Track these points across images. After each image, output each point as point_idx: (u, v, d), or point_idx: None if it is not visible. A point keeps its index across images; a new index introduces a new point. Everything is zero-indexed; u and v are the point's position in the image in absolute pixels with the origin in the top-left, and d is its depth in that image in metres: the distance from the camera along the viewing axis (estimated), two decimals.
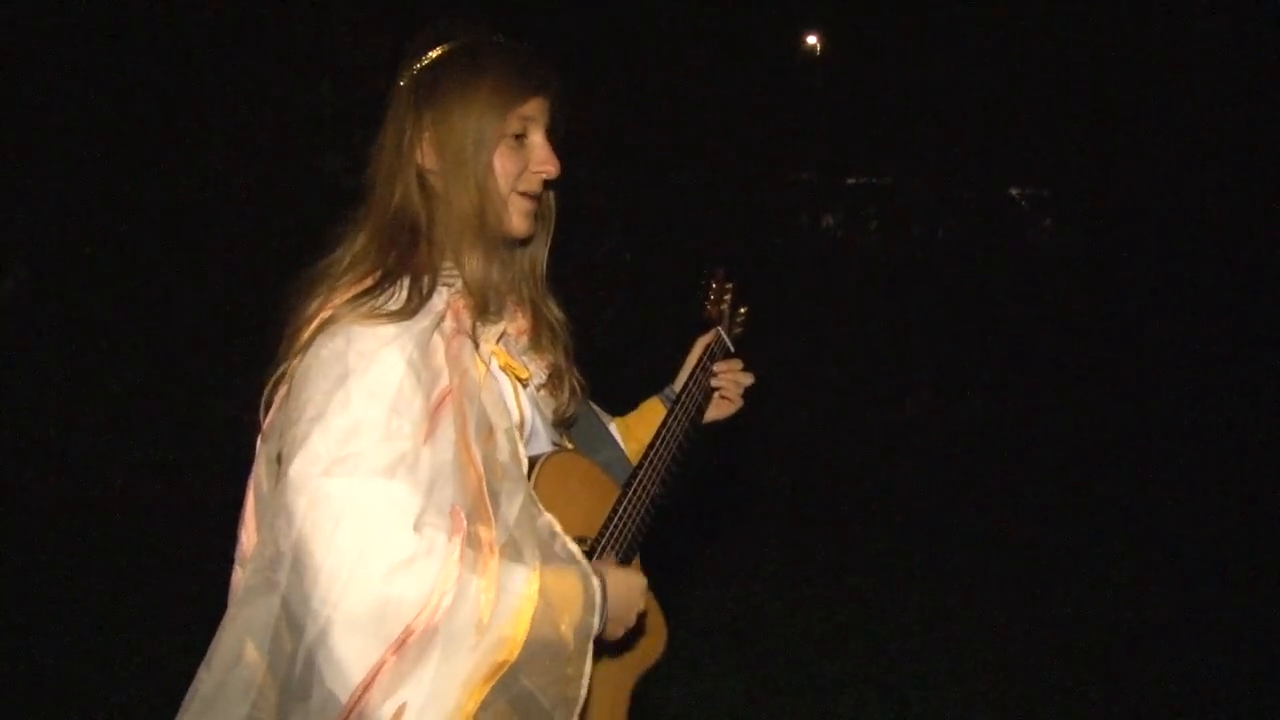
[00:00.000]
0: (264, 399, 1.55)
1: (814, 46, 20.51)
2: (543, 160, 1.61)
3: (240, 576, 1.53)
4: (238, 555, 1.55)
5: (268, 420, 1.54)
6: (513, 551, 1.45)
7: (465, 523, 1.43)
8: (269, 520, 1.42)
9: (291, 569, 1.36)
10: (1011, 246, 17.15)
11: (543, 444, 1.70)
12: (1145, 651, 4.56)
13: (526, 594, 1.42)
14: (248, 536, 1.54)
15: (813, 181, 17.74)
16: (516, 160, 1.59)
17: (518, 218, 1.61)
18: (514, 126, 1.57)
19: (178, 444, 6.75)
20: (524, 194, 1.61)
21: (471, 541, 1.42)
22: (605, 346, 6.49)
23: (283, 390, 1.52)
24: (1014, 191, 18.54)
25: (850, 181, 18.45)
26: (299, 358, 1.49)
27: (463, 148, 1.54)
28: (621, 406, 2.03)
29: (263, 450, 1.54)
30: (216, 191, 7.02)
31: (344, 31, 6.92)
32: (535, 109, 1.59)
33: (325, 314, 1.49)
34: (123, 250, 7.00)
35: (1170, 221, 16.52)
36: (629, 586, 1.57)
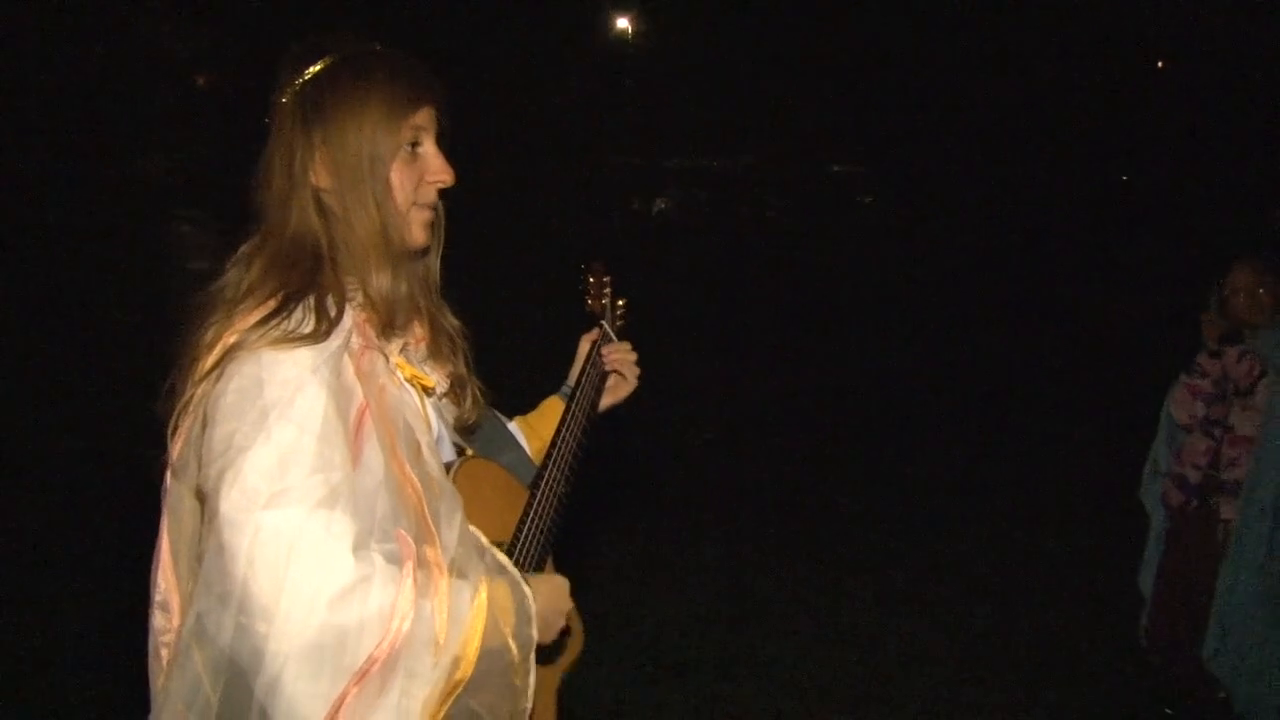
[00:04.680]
0: (170, 430, 1.48)
1: (625, 30, 20.66)
2: (438, 170, 1.59)
3: (163, 621, 1.47)
4: (156, 599, 1.49)
5: (176, 453, 1.47)
6: (458, 569, 1.46)
7: (413, 545, 1.43)
8: (203, 561, 1.37)
9: (240, 611, 1.32)
10: (836, 221, 17.82)
11: (448, 452, 1.70)
12: (1002, 615, 4.83)
13: (475, 611, 1.42)
14: (165, 579, 1.48)
15: (644, 165, 17.99)
16: (412, 172, 1.56)
17: (418, 230, 1.59)
18: (407, 138, 1.55)
19: None
20: (422, 205, 1.59)
21: (420, 563, 1.42)
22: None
23: (188, 421, 1.46)
24: (836, 168, 19.23)
25: (680, 164, 18.78)
26: (205, 385, 1.43)
27: (359, 165, 1.51)
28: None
29: (175, 486, 1.47)
30: (39, 196, 6.68)
31: (161, 33, 6.66)
32: (425, 118, 1.57)
33: (230, 339, 1.43)
34: None
35: (982, 194, 17.47)
36: (554, 593, 1.59)
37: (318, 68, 1.54)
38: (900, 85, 17.73)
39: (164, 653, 1.47)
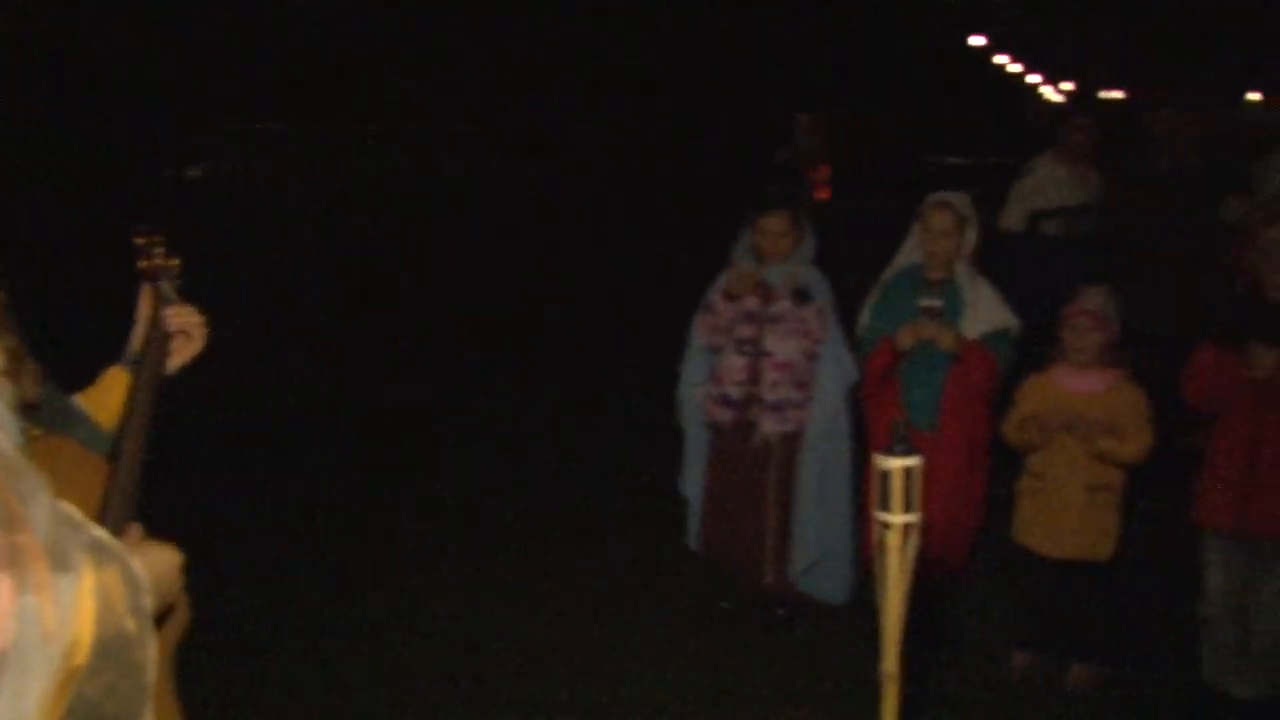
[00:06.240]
0: None
1: None
2: None
3: None
4: None
5: None
6: (56, 552, 1.39)
7: (3, 536, 1.34)
8: None
9: None
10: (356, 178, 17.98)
11: (14, 433, 1.61)
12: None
13: (84, 591, 1.36)
14: None
15: (176, 130, 16.88)
16: None
17: None
18: None
19: None
20: None
21: (14, 554, 1.34)
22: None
23: None
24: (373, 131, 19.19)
25: (220, 126, 17.78)
26: None
27: None
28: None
29: None
30: None
31: None
32: None
33: None
34: None
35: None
36: (162, 562, 1.58)
37: None
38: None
39: None
